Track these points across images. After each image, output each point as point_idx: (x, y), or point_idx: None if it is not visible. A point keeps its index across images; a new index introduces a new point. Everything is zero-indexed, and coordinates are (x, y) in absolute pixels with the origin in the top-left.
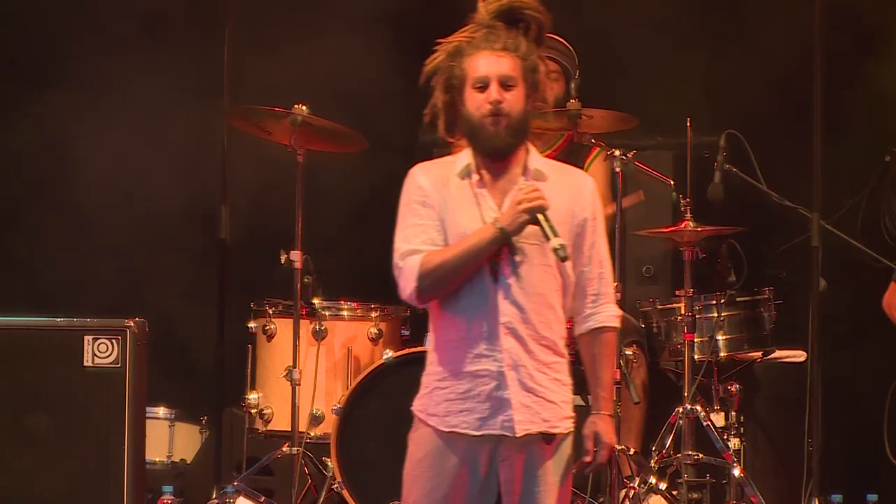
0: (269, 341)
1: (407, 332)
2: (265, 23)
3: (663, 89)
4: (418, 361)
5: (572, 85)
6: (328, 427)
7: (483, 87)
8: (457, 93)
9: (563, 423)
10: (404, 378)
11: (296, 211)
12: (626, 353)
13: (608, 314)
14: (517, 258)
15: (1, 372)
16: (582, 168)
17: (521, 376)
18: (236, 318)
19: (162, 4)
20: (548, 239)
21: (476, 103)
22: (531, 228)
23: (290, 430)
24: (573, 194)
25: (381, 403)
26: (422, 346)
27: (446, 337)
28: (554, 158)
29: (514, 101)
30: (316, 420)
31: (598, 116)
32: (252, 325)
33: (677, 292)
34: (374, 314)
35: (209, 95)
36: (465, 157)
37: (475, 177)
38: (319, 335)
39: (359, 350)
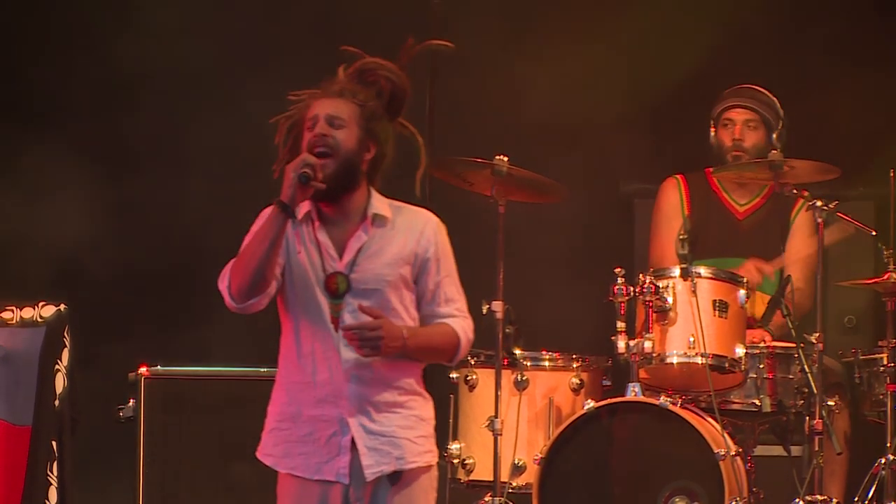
0: (470, 391)
1: (608, 383)
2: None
3: (866, 139)
4: (621, 412)
5: (774, 136)
6: (530, 477)
7: (313, 125)
8: (296, 141)
9: (420, 458)
10: (606, 428)
11: (497, 261)
12: (829, 403)
13: (458, 321)
14: (358, 304)
15: (206, 420)
16: (788, 219)
17: (365, 421)
18: (438, 369)
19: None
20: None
21: (306, 141)
22: (369, 274)
23: (492, 479)
24: (416, 235)
25: (582, 453)
26: (623, 395)
27: (291, 378)
28: (760, 208)
29: (343, 139)
30: (518, 470)
31: (800, 167)
32: (454, 375)
33: (880, 343)
34: (575, 364)
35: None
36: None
37: (314, 223)
38: (521, 385)
39: (560, 400)
